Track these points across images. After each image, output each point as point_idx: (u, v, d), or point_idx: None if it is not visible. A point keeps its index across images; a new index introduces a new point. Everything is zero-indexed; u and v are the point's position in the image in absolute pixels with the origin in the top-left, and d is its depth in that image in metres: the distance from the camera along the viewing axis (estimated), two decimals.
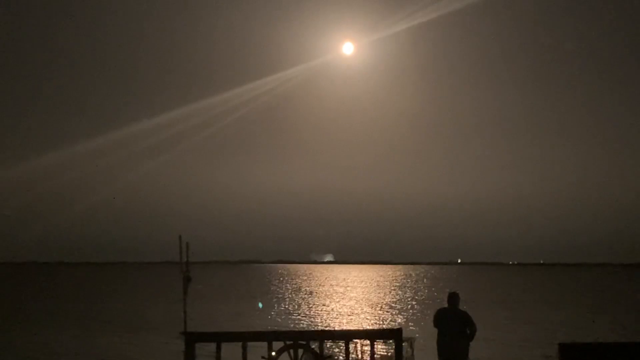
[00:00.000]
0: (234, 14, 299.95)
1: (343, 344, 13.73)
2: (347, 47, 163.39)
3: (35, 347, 29.61)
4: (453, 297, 15.12)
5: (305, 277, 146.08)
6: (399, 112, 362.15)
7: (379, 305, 57.80)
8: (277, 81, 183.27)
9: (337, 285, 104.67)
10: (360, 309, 53.89)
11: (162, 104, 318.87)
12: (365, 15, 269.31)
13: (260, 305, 45.13)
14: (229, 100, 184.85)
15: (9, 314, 46.88)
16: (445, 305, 15.32)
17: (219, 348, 13.10)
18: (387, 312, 50.76)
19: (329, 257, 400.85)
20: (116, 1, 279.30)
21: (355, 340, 14.68)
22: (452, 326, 14.75)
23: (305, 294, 78.08)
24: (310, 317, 45.36)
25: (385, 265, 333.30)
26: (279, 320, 43.02)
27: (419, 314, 47.60)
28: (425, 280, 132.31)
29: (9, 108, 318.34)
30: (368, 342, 14.02)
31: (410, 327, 36.72)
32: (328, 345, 14.10)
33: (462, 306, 15.28)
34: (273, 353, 13.37)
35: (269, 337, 13.62)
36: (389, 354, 14.57)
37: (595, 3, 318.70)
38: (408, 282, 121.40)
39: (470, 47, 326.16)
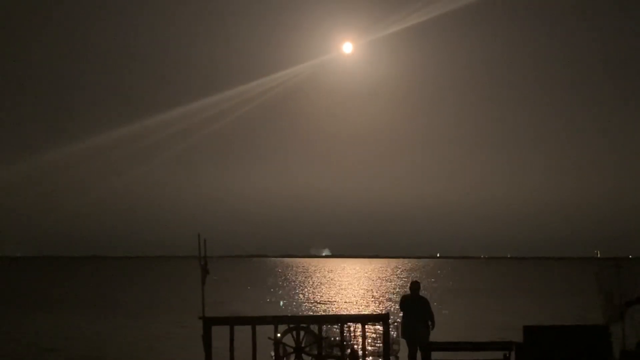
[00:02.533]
0: (244, 16, 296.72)
1: (338, 327, 13.72)
2: (347, 47, 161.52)
3: (68, 330, 29.50)
4: (414, 285, 15.35)
5: (305, 270, 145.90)
6: (395, 110, 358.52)
7: (369, 294, 57.69)
8: (282, 78, 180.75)
9: (332, 276, 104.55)
10: (352, 296, 53.79)
11: (170, 100, 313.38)
12: (363, 17, 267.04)
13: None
14: (236, 96, 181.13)
15: (39, 302, 46.75)
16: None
17: (232, 330, 13.17)
18: (376, 299, 50.65)
19: (326, 252, 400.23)
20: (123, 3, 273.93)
21: (348, 323, 14.64)
22: (414, 310, 14.95)
23: (306, 284, 77.96)
24: (310, 304, 45.27)
25: (374, 259, 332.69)
26: (284, 306, 42.94)
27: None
28: (409, 272, 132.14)
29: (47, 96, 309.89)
30: (360, 325, 14.03)
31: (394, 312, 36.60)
32: (325, 328, 14.04)
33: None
34: (278, 334, 13.46)
35: (275, 321, 13.76)
36: (378, 335, 14.50)
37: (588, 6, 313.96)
38: (394, 274, 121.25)
39: (462, 47, 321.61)
